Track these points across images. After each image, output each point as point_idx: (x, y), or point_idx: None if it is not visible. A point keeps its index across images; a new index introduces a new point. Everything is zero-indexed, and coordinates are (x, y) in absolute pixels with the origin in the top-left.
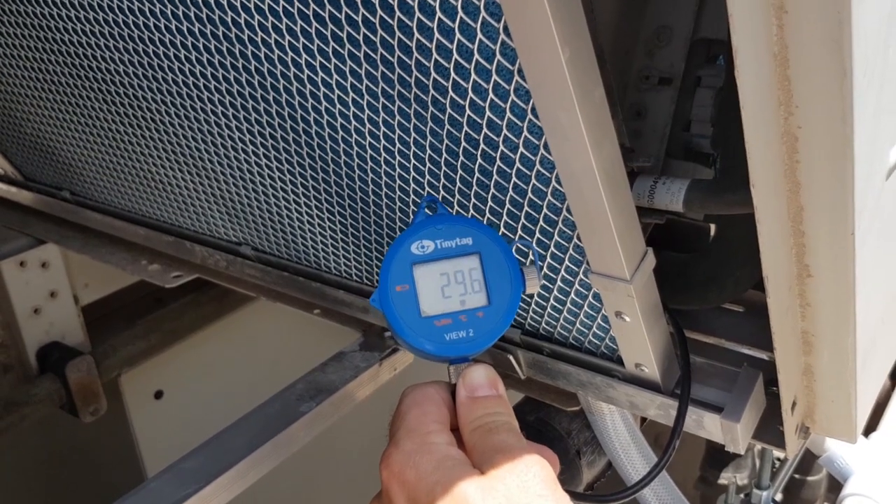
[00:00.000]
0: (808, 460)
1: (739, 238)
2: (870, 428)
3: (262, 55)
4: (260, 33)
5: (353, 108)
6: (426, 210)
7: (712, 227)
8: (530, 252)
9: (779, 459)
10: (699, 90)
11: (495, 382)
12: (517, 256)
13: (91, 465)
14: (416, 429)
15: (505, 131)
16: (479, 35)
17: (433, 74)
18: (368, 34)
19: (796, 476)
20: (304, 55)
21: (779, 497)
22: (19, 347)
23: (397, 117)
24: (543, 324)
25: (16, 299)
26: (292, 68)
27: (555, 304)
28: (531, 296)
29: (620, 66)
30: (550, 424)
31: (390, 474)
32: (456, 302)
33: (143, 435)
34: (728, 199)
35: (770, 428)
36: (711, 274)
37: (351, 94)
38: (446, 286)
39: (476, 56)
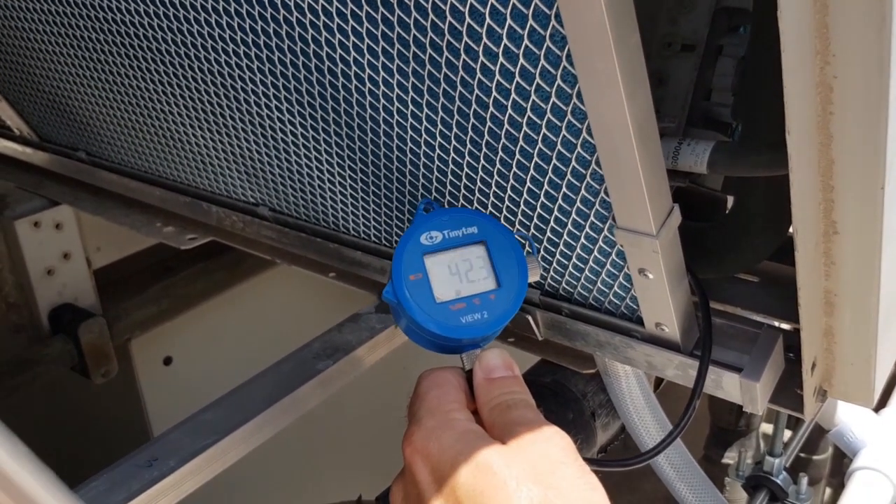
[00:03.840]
0: (814, 439)
1: (758, 206)
2: (880, 404)
3: (293, 4)
4: None
5: (382, 59)
6: (424, 210)
7: (729, 197)
8: (527, 243)
9: None
10: (721, 58)
11: (510, 364)
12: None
13: (100, 428)
14: (437, 407)
15: (538, 80)
16: None
17: (468, 20)
18: None
19: (802, 455)
20: (337, 18)
21: None
22: (32, 308)
23: (427, 66)
24: (564, 283)
25: (29, 259)
26: (322, 21)
27: (577, 262)
28: (552, 255)
29: (644, 33)
30: (566, 386)
31: (413, 450)
32: (468, 287)
33: (151, 400)
34: (753, 160)
35: (786, 392)
36: (729, 242)
37: (382, 43)
38: (457, 272)
39: (513, 0)
